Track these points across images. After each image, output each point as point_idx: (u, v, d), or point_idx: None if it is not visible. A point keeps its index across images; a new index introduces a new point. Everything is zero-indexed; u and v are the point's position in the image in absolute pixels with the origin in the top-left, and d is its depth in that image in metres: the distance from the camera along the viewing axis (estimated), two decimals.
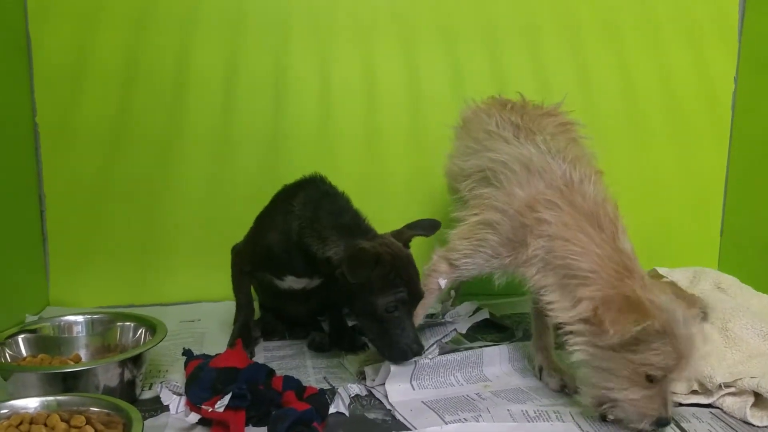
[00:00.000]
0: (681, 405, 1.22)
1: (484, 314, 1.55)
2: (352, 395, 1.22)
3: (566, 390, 1.25)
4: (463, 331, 1.45)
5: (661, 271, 1.73)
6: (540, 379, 1.30)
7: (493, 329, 1.57)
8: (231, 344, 1.35)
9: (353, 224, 1.28)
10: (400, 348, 1.20)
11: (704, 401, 1.22)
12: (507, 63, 1.84)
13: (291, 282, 1.40)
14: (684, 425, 1.14)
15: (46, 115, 1.68)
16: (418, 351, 1.21)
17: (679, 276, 1.71)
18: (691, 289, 1.64)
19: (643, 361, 1.05)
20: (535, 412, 1.17)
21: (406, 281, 1.20)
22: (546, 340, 1.32)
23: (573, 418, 1.15)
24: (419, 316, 1.29)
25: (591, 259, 1.11)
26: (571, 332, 1.11)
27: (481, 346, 1.39)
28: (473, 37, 1.82)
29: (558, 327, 1.17)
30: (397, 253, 1.22)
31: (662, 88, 1.91)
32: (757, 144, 1.87)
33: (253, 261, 1.42)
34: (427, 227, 1.33)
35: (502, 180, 1.25)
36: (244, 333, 1.40)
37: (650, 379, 1.06)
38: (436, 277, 1.30)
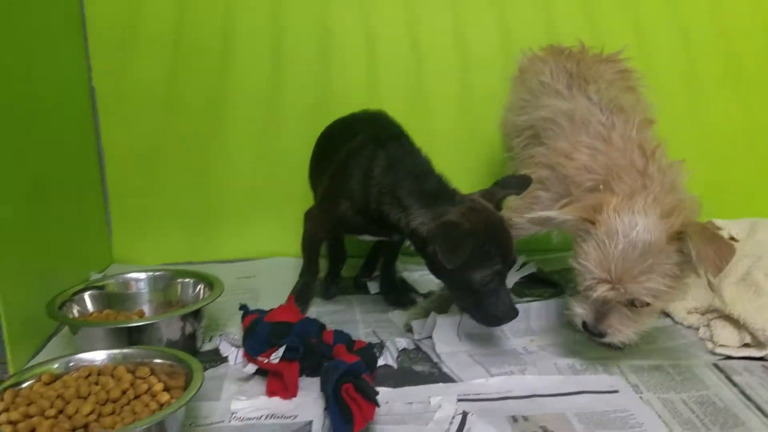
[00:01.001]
0: (731, 358, 1.21)
1: (530, 268, 1.55)
2: (400, 348, 1.25)
3: (613, 344, 1.24)
4: (510, 286, 1.45)
5: (718, 223, 1.69)
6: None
7: (541, 285, 1.57)
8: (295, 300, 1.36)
9: (438, 189, 1.19)
10: (496, 316, 1.16)
11: (756, 354, 1.20)
12: (557, 13, 1.78)
13: (367, 237, 1.39)
14: (735, 378, 1.14)
15: (101, 78, 1.72)
16: (514, 316, 1.17)
17: (736, 227, 1.67)
18: (748, 240, 1.60)
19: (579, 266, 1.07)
20: (582, 365, 1.18)
21: (501, 252, 1.14)
22: None
23: (621, 370, 1.16)
24: None
25: (606, 163, 1.11)
26: None
27: (528, 301, 1.40)
28: None
29: None
30: (490, 221, 1.15)
31: (720, 37, 1.82)
32: None
33: (328, 229, 1.41)
34: (519, 185, 1.21)
35: (550, 136, 1.23)
36: (304, 292, 1.43)
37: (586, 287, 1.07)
38: None
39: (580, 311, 1.09)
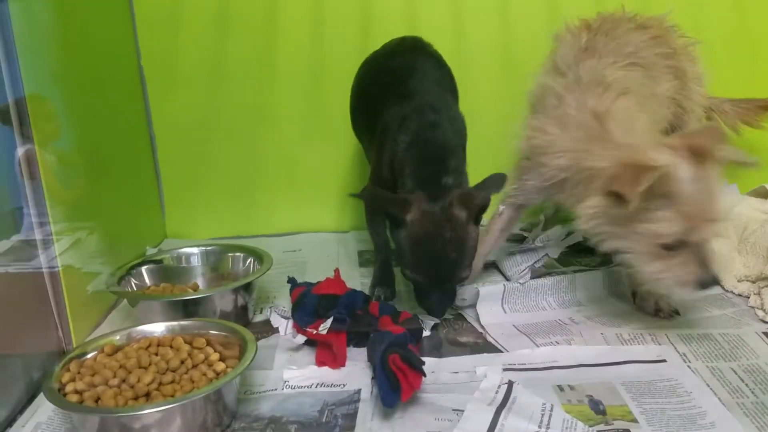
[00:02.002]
0: None
1: (576, 238, 1.54)
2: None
3: (661, 314, 1.24)
4: (555, 256, 1.45)
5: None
6: (634, 302, 1.30)
7: (588, 253, 1.55)
8: (372, 285, 1.38)
9: (433, 180, 1.14)
10: (425, 307, 1.19)
11: None
12: None
13: None
14: None
15: (149, 58, 1.76)
16: (435, 316, 1.20)
17: None
18: None
19: (648, 233, 1.03)
20: (629, 335, 1.18)
21: (423, 271, 1.13)
22: None
23: (669, 339, 1.15)
24: (480, 255, 1.31)
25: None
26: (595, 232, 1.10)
27: (575, 271, 1.40)
28: None
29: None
30: (428, 236, 1.11)
31: None
32: None
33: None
34: (495, 184, 1.17)
35: (538, 109, 1.25)
36: (385, 271, 1.40)
37: (668, 248, 1.03)
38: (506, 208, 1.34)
39: (685, 277, 1.06)
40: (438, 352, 1.16)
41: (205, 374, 1.00)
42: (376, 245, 1.42)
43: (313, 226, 1.84)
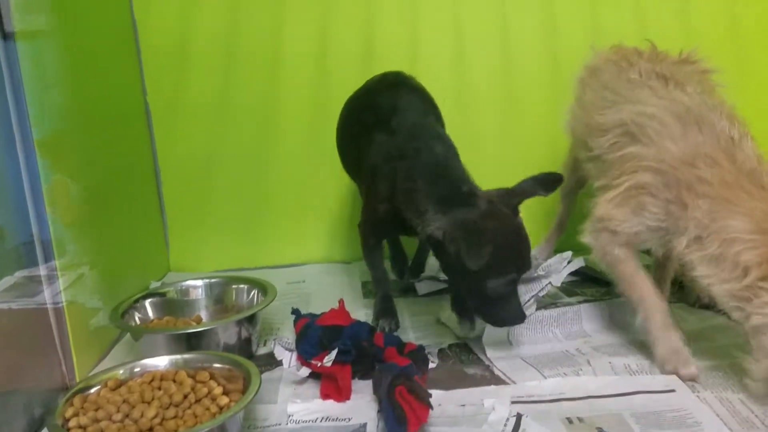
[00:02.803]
0: None
1: (579, 263, 1.52)
2: (445, 346, 1.26)
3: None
4: (558, 284, 1.44)
5: None
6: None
7: (593, 283, 1.55)
8: (375, 318, 1.36)
9: (452, 192, 1.15)
10: (503, 319, 1.18)
11: None
12: (603, 11, 1.77)
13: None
14: None
15: (155, 95, 1.78)
16: (521, 321, 1.17)
17: None
18: None
19: None
20: (637, 365, 1.17)
21: (516, 261, 1.13)
22: (664, 294, 1.27)
23: None
24: None
25: (754, 220, 1.01)
26: (736, 305, 1.03)
27: (579, 302, 1.39)
28: None
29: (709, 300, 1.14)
30: (507, 227, 1.12)
31: None
32: None
33: (376, 234, 1.39)
34: (547, 185, 1.17)
35: (652, 135, 1.14)
36: (387, 305, 1.38)
37: None
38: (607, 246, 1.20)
39: None
40: (445, 384, 1.14)
41: (208, 408, 0.99)
42: (376, 278, 1.42)
43: (317, 257, 1.85)
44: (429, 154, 1.22)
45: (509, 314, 1.16)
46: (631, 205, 1.14)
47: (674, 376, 1.11)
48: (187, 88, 1.79)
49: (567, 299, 1.44)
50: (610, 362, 1.18)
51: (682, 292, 1.31)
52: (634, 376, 1.13)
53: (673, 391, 1.07)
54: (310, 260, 1.84)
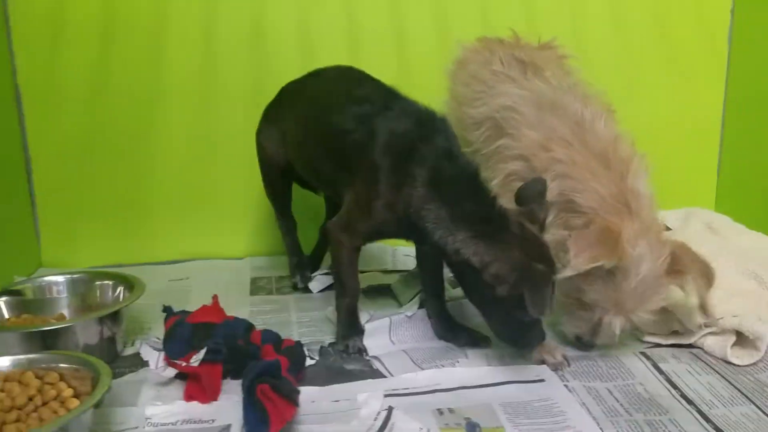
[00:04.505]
0: (660, 346, 1.21)
1: None
2: (326, 345, 1.23)
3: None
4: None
5: None
6: None
7: None
8: (344, 335, 1.22)
9: (488, 213, 1.05)
10: (530, 343, 1.12)
11: (685, 341, 1.21)
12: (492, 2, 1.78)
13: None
14: (662, 366, 1.14)
15: (26, 76, 1.66)
16: (543, 340, 1.12)
17: (672, 217, 1.70)
18: (682, 229, 1.62)
19: (580, 291, 1.09)
20: (511, 356, 1.17)
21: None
22: None
23: None
24: None
25: (592, 197, 1.09)
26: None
27: (464, 297, 1.39)
28: None
29: None
30: (548, 258, 1.03)
31: (655, 23, 1.84)
32: (754, 80, 1.80)
33: (365, 237, 1.23)
34: (537, 194, 1.08)
35: (514, 125, 1.20)
36: (351, 320, 1.23)
37: (584, 306, 1.11)
38: None
39: (575, 329, 1.17)
40: (322, 380, 1.11)
41: (56, 412, 0.91)
42: (346, 290, 1.23)
43: (204, 252, 1.76)
44: (455, 162, 1.09)
45: (535, 336, 1.11)
46: (508, 192, 1.17)
47: (544, 366, 1.13)
48: (62, 69, 1.66)
49: (452, 292, 1.43)
50: (486, 353, 1.18)
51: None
52: (506, 367, 1.13)
53: (542, 380, 1.09)
54: (197, 256, 1.76)
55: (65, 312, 1.28)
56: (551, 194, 1.11)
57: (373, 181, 1.13)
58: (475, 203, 1.06)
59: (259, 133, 1.51)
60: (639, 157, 1.15)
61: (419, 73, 1.73)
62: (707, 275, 1.10)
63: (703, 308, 1.14)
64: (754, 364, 1.14)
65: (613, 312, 1.09)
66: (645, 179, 1.13)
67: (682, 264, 1.09)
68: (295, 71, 1.53)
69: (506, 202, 1.10)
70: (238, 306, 1.40)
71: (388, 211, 1.12)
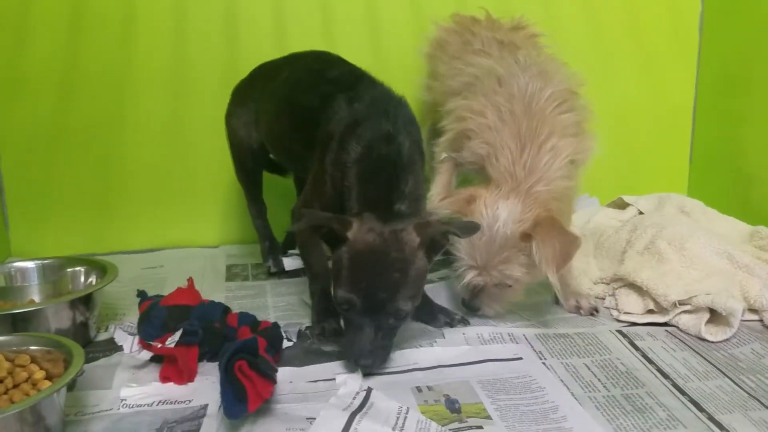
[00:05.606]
0: (636, 324, 1.23)
1: None
2: (303, 328, 1.22)
3: (581, 311, 1.29)
4: None
5: (627, 199, 1.73)
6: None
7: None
8: (318, 320, 1.20)
9: (382, 196, 1.05)
10: (349, 353, 1.07)
11: (660, 320, 1.22)
12: None
13: None
14: (638, 343, 1.15)
15: None
16: (363, 366, 1.03)
17: (645, 203, 1.71)
18: (654, 212, 1.64)
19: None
20: (490, 335, 1.18)
21: (358, 286, 1.01)
22: None
23: (527, 339, 1.17)
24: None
25: (496, 166, 1.17)
26: None
27: (440, 279, 1.39)
28: None
29: None
30: (368, 250, 1.02)
31: (626, 11, 1.85)
32: (725, 67, 1.83)
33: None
34: (465, 230, 1.07)
35: (473, 91, 1.27)
36: (324, 303, 1.21)
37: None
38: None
39: (461, 294, 1.25)
40: (300, 361, 1.10)
41: (27, 394, 0.89)
42: (315, 274, 1.24)
43: (178, 241, 1.74)
44: (386, 148, 1.09)
45: (352, 348, 1.05)
46: (451, 150, 1.31)
47: (522, 345, 1.14)
48: (30, 55, 1.63)
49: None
50: (463, 333, 1.19)
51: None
52: (484, 345, 1.14)
53: (520, 358, 1.09)
54: (171, 245, 1.74)
55: (36, 299, 1.26)
56: (481, 152, 1.20)
57: (322, 156, 1.16)
58: (382, 191, 1.06)
59: (230, 116, 1.50)
60: (563, 136, 1.19)
61: (394, 56, 1.73)
62: (564, 249, 1.09)
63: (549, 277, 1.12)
64: (727, 340, 1.16)
65: (470, 266, 1.17)
66: (558, 157, 1.17)
67: (537, 231, 1.11)
68: (268, 57, 1.51)
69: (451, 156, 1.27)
70: (214, 291, 1.39)
71: (332, 187, 1.14)
